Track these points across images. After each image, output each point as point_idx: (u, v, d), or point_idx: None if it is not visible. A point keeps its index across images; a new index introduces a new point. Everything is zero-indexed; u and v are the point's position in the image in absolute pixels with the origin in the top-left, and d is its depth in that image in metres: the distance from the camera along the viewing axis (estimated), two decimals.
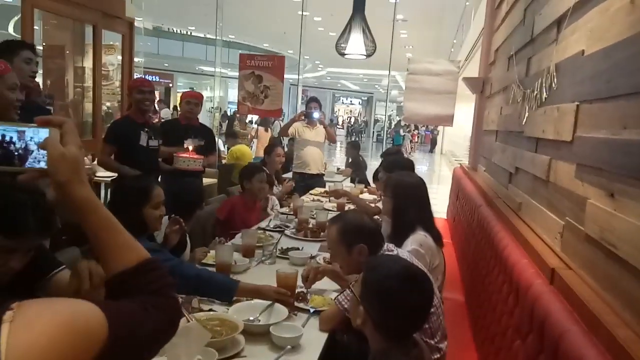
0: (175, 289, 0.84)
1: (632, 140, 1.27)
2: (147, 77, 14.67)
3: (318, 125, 5.38)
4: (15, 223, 1.21)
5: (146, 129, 3.51)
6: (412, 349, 1.33)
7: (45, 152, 0.76)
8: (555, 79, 2.09)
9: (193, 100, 3.94)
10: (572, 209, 1.72)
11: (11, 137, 0.78)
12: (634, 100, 1.30)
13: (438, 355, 1.85)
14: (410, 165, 3.64)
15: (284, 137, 6.30)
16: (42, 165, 0.77)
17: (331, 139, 5.66)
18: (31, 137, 0.78)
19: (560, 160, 1.93)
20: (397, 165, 3.48)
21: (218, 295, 1.96)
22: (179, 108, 5.14)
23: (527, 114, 2.53)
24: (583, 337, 1.21)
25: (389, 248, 1.99)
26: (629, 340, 1.09)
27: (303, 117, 5.40)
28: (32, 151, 0.78)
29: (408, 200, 2.45)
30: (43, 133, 0.77)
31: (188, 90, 4.71)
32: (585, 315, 1.30)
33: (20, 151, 0.78)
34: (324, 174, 5.63)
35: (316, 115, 5.32)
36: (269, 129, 8.24)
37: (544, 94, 2.24)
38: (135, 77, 5.86)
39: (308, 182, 5.27)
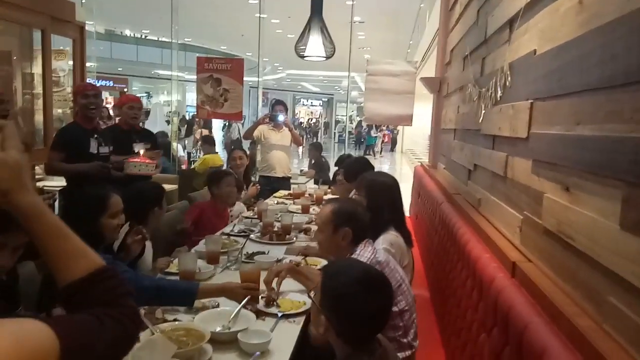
0: (132, 297, 0.81)
1: (585, 136, 1.32)
2: (100, 82, 14.24)
3: (284, 128, 5.36)
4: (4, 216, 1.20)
5: (96, 136, 3.39)
6: (377, 349, 1.33)
7: None
8: (509, 78, 2.16)
9: (136, 104, 3.86)
10: (530, 203, 1.78)
11: None
12: (585, 97, 1.35)
13: (409, 353, 1.87)
14: (370, 166, 3.68)
15: (247, 140, 6.24)
16: None
17: (297, 141, 5.65)
18: None
19: (517, 157, 1.99)
20: (358, 168, 3.52)
21: (180, 301, 1.93)
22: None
23: (483, 112, 2.60)
24: (545, 328, 1.25)
25: (365, 243, 2.00)
26: (589, 329, 1.13)
27: (267, 120, 5.37)
28: None
29: (382, 200, 2.47)
30: None
31: (126, 94, 4.58)
32: (547, 306, 1.34)
33: None
34: (290, 177, 5.61)
35: (281, 118, 5.29)
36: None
37: (499, 92, 2.31)
38: (88, 82, 5.67)
39: (274, 185, 5.24)
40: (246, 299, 1.90)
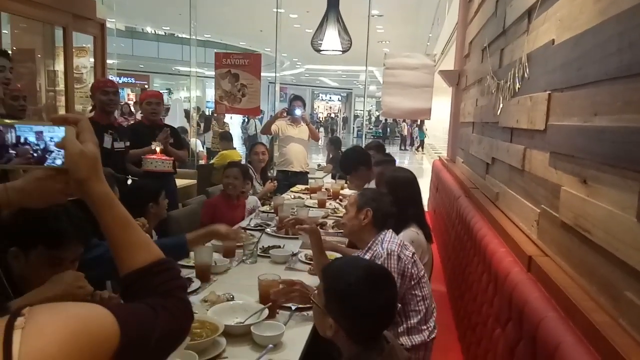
0: (186, 291, 0.83)
1: (603, 127, 1.29)
2: (121, 78, 14.45)
3: (301, 123, 5.36)
4: (57, 232, 1.40)
5: (110, 131, 3.43)
6: (385, 346, 1.32)
7: (57, 149, 0.76)
8: (527, 69, 2.11)
9: (154, 99, 3.89)
10: (547, 196, 1.74)
11: (26, 137, 0.77)
12: (603, 87, 1.32)
13: (428, 339, 1.91)
14: (366, 154, 3.72)
15: (265, 135, 6.26)
16: (59, 163, 0.77)
17: (314, 137, 5.65)
18: (45, 135, 0.77)
19: (535, 149, 1.95)
20: (355, 157, 3.61)
21: (174, 255, 1.96)
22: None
23: (501, 105, 2.56)
24: (560, 323, 1.22)
25: (389, 232, 2.04)
26: (605, 325, 1.11)
27: (285, 115, 5.37)
28: (49, 150, 0.77)
29: (405, 196, 2.47)
30: (58, 131, 0.76)
31: (148, 90, 4.64)
32: (562, 301, 1.31)
33: (39, 150, 0.77)
34: (307, 172, 5.61)
35: (298, 112, 5.29)
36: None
37: (517, 84, 2.26)
38: (108, 78, 5.76)
39: (291, 180, 5.25)
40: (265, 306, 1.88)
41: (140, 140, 3.66)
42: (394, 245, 1.92)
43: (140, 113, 4.25)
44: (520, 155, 2.12)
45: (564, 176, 1.57)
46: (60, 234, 1.42)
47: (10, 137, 0.77)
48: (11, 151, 0.77)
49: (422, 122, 19.82)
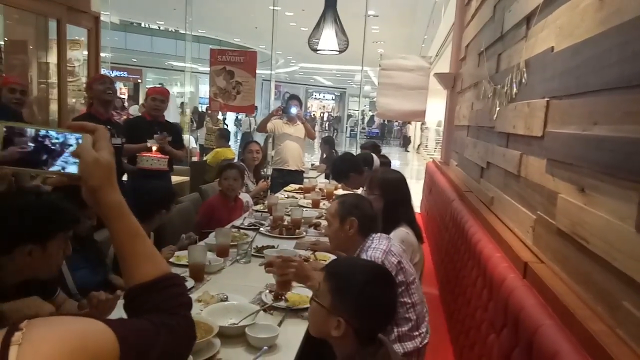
0: (190, 309, 0.82)
1: (602, 136, 1.29)
2: (114, 72, 14.33)
3: (297, 122, 5.35)
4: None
5: (108, 127, 3.40)
6: (379, 349, 1.32)
7: (70, 155, 0.76)
8: (525, 75, 2.12)
9: (159, 96, 3.87)
10: (543, 203, 1.75)
11: (44, 140, 0.77)
12: (603, 96, 1.32)
13: (421, 345, 1.89)
14: (356, 161, 3.80)
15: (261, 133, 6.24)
16: (72, 169, 0.76)
17: (310, 135, 5.64)
18: (61, 142, 0.77)
19: (532, 156, 1.96)
20: (346, 166, 3.67)
21: None
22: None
23: (497, 110, 2.57)
24: (557, 331, 1.23)
25: (376, 236, 2.01)
26: (602, 334, 1.11)
27: (280, 113, 5.36)
28: (60, 155, 0.77)
29: (396, 198, 2.50)
30: (74, 138, 0.77)
31: (155, 86, 4.62)
32: (559, 309, 1.32)
33: (51, 155, 0.77)
34: (303, 171, 5.60)
35: (294, 110, 5.27)
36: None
37: (514, 89, 2.27)
38: (102, 72, 5.70)
39: (287, 178, 5.23)
40: (263, 307, 1.90)
41: (139, 136, 3.63)
42: (378, 253, 1.90)
43: (143, 107, 4.24)
44: (516, 160, 2.13)
45: (561, 184, 1.58)
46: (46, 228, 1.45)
47: (30, 137, 0.77)
48: (27, 150, 0.76)
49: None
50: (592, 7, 1.44)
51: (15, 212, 1.37)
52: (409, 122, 20.09)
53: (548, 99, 1.79)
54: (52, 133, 0.77)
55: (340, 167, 3.77)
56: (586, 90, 1.44)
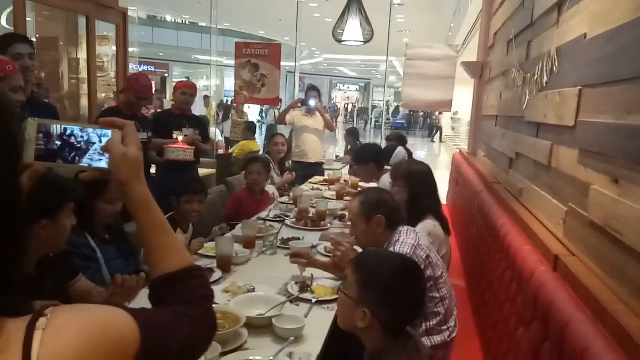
0: (213, 301, 0.83)
1: (637, 126, 1.25)
2: (142, 67, 14.55)
3: (316, 113, 5.33)
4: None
5: (134, 122, 3.45)
6: (408, 342, 1.32)
7: (99, 151, 0.79)
8: (556, 63, 2.06)
9: (188, 90, 3.91)
10: (575, 194, 1.71)
11: (75, 136, 0.80)
12: (638, 84, 1.28)
13: (449, 339, 1.88)
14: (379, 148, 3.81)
15: (281, 125, 6.25)
16: (102, 164, 0.79)
17: (329, 127, 5.61)
18: (91, 137, 0.80)
19: (562, 146, 1.91)
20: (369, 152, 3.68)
21: None
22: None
23: (527, 99, 2.51)
24: (589, 326, 1.20)
25: (403, 229, 2.00)
26: (636, 329, 1.08)
27: (299, 105, 5.35)
28: (91, 150, 0.80)
29: (422, 189, 2.46)
30: (104, 133, 0.80)
31: (182, 79, 4.66)
32: (591, 303, 1.29)
33: (82, 150, 0.80)
34: (322, 163, 5.59)
35: (312, 102, 5.25)
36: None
37: (545, 78, 2.21)
38: (130, 67, 5.79)
39: (307, 170, 5.23)
40: (288, 298, 1.93)
41: (167, 129, 3.68)
42: (406, 247, 1.88)
43: (172, 100, 4.31)
44: (546, 151, 2.08)
45: (594, 174, 1.54)
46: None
47: (58, 134, 0.79)
48: (58, 145, 0.79)
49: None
50: None
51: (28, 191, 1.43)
52: (440, 112, 19.81)
53: (580, 87, 1.73)
54: (83, 129, 0.80)
55: (364, 151, 3.74)
56: (620, 78, 1.40)
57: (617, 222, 1.31)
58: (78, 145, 0.79)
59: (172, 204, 2.66)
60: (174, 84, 4.86)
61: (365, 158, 3.60)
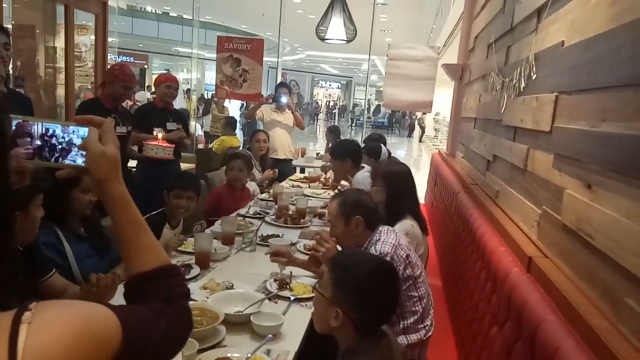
0: (188, 299, 0.84)
1: (611, 133, 1.29)
2: (121, 57, 14.30)
3: (286, 110, 5.34)
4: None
5: (114, 115, 3.41)
6: (382, 340, 1.34)
7: (77, 149, 0.79)
8: (534, 69, 2.11)
9: (174, 84, 3.88)
10: (549, 198, 1.75)
11: (53, 133, 0.79)
12: (613, 93, 1.32)
13: (425, 337, 1.91)
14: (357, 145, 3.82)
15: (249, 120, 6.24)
16: (80, 162, 0.79)
17: (299, 124, 5.62)
18: (69, 135, 0.79)
19: (538, 150, 1.95)
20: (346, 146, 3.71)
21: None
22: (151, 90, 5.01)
23: (505, 103, 2.56)
24: (560, 326, 1.24)
25: (383, 229, 2.02)
26: (605, 330, 1.12)
27: (270, 101, 5.35)
28: (68, 149, 0.80)
29: (400, 190, 2.49)
30: (82, 131, 0.79)
31: (164, 72, 4.61)
32: (562, 304, 1.33)
33: (59, 148, 0.80)
34: (292, 159, 5.60)
35: (284, 100, 5.26)
36: None
37: (523, 83, 2.26)
38: (109, 58, 5.69)
39: (275, 167, 5.22)
40: (268, 295, 1.93)
41: (150, 123, 3.64)
42: (387, 247, 1.90)
43: (153, 94, 4.26)
44: (523, 154, 2.13)
45: (568, 179, 1.58)
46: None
47: (36, 131, 0.78)
48: (36, 143, 0.78)
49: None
50: (604, 3, 1.43)
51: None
52: (424, 113, 19.93)
53: (557, 94, 1.78)
54: (60, 127, 0.79)
55: (343, 147, 3.70)
56: (596, 86, 1.44)
57: (589, 226, 1.35)
58: (60, 145, 0.79)
59: (164, 199, 2.64)
60: (154, 76, 4.80)
61: (343, 154, 3.56)
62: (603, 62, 1.40)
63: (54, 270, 1.77)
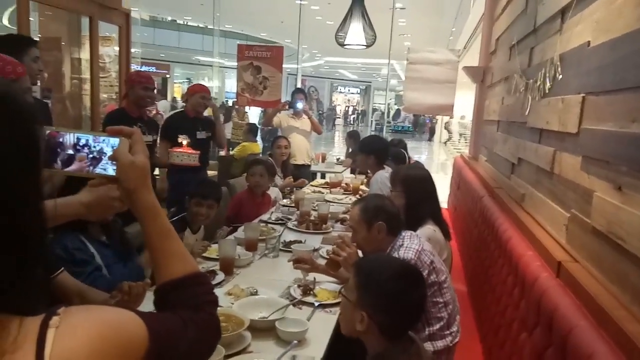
0: (217, 306, 0.85)
1: None
2: (143, 67, 14.58)
3: (303, 116, 5.36)
4: None
5: (140, 124, 3.47)
6: (411, 347, 1.33)
7: (108, 159, 0.80)
8: (559, 70, 2.08)
9: (207, 95, 3.99)
10: (578, 201, 1.72)
11: (85, 143, 0.81)
12: None
13: (451, 344, 1.89)
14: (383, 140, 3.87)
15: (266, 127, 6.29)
16: (111, 172, 0.80)
17: (317, 129, 5.64)
18: (99, 144, 0.81)
19: (565, 152, 1.92)
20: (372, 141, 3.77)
21: None
22: (178, 99, 5.10)
23: (530, 105, 2.52)
24: (592, 332, 1.21)
25: (406, 235, 2.01)
26: (639, 335, 1.09)
27: (287, 107, 5.39)
28: (100, 159, 0.82)
29: (420, 195, 2.46)
30: (112, 142, 0.81)
31: (198, 83, 4.68)
32: (594, 309, 1.30)
33: (90, 157, 0.81)
34: (310, 165, 5.61)
35: (300, 105, 5.29)
36: None
37: (548, 84, 2.22)
38: (132, 68, 5.80)
39: (294, 172, 5.24)
40: (293, 301, 1.94)
41: (182, 133, 3.70)
42: (410, 253, 1.88)
43: (183, 103, 4.36)
44: (549, 157, 2.09)
45: (597, 181, 1.55)
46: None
47: (68, 141, 0.80)
48: (70, 152, 0.80)
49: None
50: (630, 3, 1.40)
51: None
52: (451, 117, 19.73)
53: (584, 95, 1.75)
54: (91, 137, 0.81)
55: (370, 143, 3.75)
56: (624, 86, 1.41)
57: (620, 229, 1.32)
58: (92, 155, 0.81)
59: (185, 205, 2.68)
60: (175, 85, 4.88)
61: (368, 149, 3.61)
62: (630, 62, 1.37)
63: (62, 269, 1.75)
